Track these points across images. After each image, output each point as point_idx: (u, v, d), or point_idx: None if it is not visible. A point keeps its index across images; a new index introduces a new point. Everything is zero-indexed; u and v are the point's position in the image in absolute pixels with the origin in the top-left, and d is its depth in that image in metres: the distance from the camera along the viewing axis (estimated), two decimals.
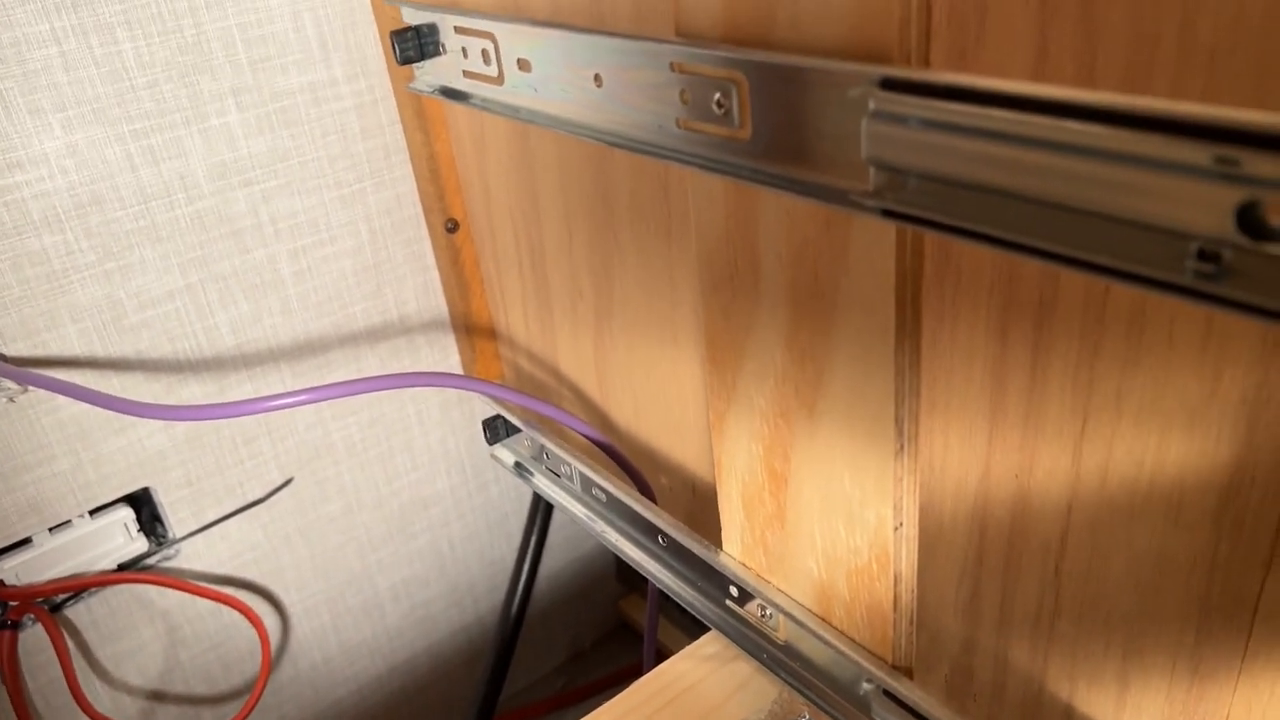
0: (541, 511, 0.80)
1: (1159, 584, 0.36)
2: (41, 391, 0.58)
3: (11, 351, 0.57)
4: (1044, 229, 0.24)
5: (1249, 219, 0.21)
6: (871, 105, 0.27)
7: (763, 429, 0.40)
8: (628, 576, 0.94)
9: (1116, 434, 0.35)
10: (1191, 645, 0.36)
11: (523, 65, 0.42)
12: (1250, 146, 0.20)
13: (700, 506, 0.57)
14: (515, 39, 0.42)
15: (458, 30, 0.46)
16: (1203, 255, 0.22)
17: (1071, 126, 0.23)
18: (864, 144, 0.28)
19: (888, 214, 0.28)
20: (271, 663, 0.74)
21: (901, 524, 0.37)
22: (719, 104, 0.33)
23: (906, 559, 0.37)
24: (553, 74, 0.41)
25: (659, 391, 0.57)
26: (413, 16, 0.48)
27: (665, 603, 0.58)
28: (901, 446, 0.35)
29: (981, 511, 0.41)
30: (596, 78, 0.38)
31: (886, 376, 0.33)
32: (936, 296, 0.36)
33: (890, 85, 0.27)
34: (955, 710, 0.38)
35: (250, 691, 0.70)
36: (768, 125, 0.32)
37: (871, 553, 0.38)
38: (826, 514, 0.39)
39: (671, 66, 0.34)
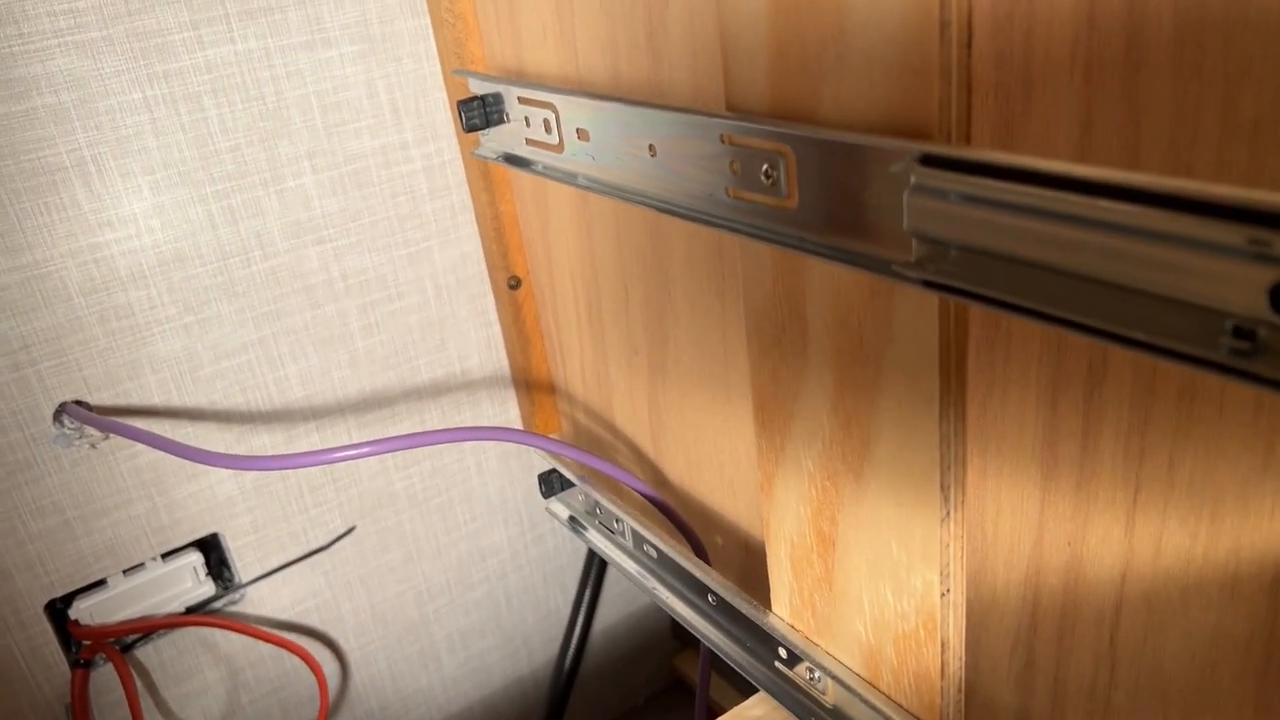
0: (596, 566, 0.81)
1: (1215, 659, 0.35)
2: (121, 439, 0.60)
3: (95, 400, 0.60)
4: (1081, 303, 0.25)
5: None
6: (913, 180, 0.28)
7: (810, 491, 0.40)
8: (682, 633, 0.94)
9: (1169, 504, 0.34)
10: None
11: (581, 135, 0.44)
12: None
13: (754, 566, 0.57)
14: (575, 110, 0.44)
15: (521, 101, 0.48)
16: (1238, 333, 0.22)
17: (1106, 205, 0.23)
18: (906, 217, 0.29)
19: (929, 285, 0.29)
20: (330, 708, 0.75)
21: (949, 590, 0.36)
22: (767, 174, 0.34)
23: (954, 626, 0.37)
24: (609, 143, 0.42)
25: (712, 449, 0.58)
26: (479, 87, 0.51)
27: (718, 661, 0.58)
28: (948, 513, 0.35)
29: (1034, 580, 0.40)
30: (651, 148, 0.40)
31: (931, 443, 0.34)
32: (987, 364, 0.36)
33: (930, 161, 0.27)
34: None
35: None
36: (814, 196, 0.32)
37: (919, 618, 0.38)
38: (874, 578, 0.39)
39: (722, 139, 0.35)
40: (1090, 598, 0.39)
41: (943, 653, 0.37)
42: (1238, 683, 0.34)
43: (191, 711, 0.69)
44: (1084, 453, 0.36)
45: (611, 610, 0.88)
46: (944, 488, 0.34)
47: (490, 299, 0.72)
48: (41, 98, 0.53)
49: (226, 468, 0.57)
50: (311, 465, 0.53)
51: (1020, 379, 0.36)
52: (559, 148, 0.46)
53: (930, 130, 0.29)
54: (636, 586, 0.57)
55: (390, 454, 0.72)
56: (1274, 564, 0.32)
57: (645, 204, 0.41)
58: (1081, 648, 0.40)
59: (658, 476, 0.65)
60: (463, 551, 0.78)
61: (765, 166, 0.34)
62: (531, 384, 0.74)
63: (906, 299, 0.32)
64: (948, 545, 0.35)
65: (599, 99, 0.42)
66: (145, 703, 0.67)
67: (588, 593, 0.81)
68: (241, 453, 0.65)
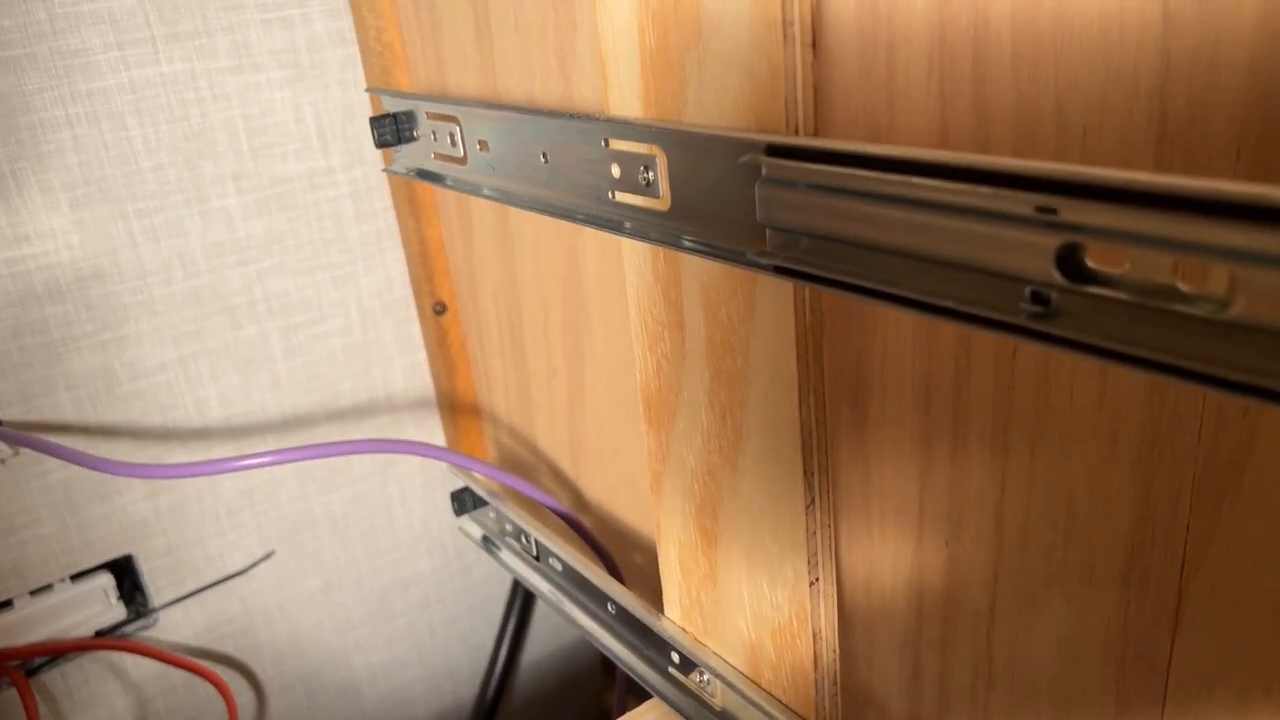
0: (520, 597, 0.81)
1: (1078, 649, 0.36)
2: (31, 456, 0.60)
3: (6, 416, 0.59)
4: (902, 279, 0.26)
5: (1069, 263, 0.22)
6: (763, 171, 0.29)
7: (694, 487, 0.41)
8: (612, 668, 0.93)
9: (1032, 498, 0.35)
10: (1113, 715, 0.36)
11: (483, 146, 0.45)
12: (1067, 195, 0.22)
13: None
14: (476, 122, 0.45)
15: (429, 116, 0.49)
16: (1035, 298, 0.23)
17: (916, 181, 0.24)
18: (758, 207, 0.30)
19: (779, 270, 0.30)
20: None
21: (818, 579, 0.37)
22: (644, 177, 0.35)
23: (825, 616, 0.38)
24: (508, 153, 0.44)
25: (628, 468, 0.58)
26: (391, 104, 0.52)
27: (635, 687, 0.58)
28: (813, 500, 0.36)
29: (918, 582, 0.41)
30: (544, 155, 0.41)
31: (794, 431, 0.35)
32: (870, 370, 0.38)
33: (774, 151, 0.29)
34: None
35: None
36: (683, 195, 0.34)
37: (791, 609, 0.38)
38: (752, 571, 0.40)
39: (604, 143, 0.37)
40: (968, 598, 0.40)
41: (815, 643, 0.38)
42: (1100, 673, 0.35)
43: None
44: (955, 453, 0.37)
45: (540, 645, 0.88)
46: (807, 474, 0.35)
47: (416, 324, 0.73)
48: None
49: (132, 476, 0.57)
50: (219, 473, 0.53)
51: (896, 386, 0.37)
52: (463, 160, 0.47)
53: (780, 127, 0.30)
54: (546, 604, 0.57)
55: (311, 479, 0.71)
56: (1123, 549, 0.33)
57: (541, 210, 0.42)
58: (963, 648, 0.41)
59: (578, 499, 0.65)
60: (385, 580, 0.77)
61: (642, 168, 0.35)
62: (456, 408, 0.74)
63: (766, 289, 0.33)
64: (814, 533, 0.36)
65: (496, 109, 0.43)
66: None
67: (512, 623, 0.81)
68: (148, 462, 0.64)
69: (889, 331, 0.36)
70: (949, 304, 0.24)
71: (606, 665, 0.93)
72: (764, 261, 0.30)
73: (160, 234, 0.62)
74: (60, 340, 0.60)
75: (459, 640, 0.83)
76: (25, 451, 0.60)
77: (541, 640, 0.88)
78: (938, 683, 0.43)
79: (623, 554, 0.61)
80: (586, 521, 0.60)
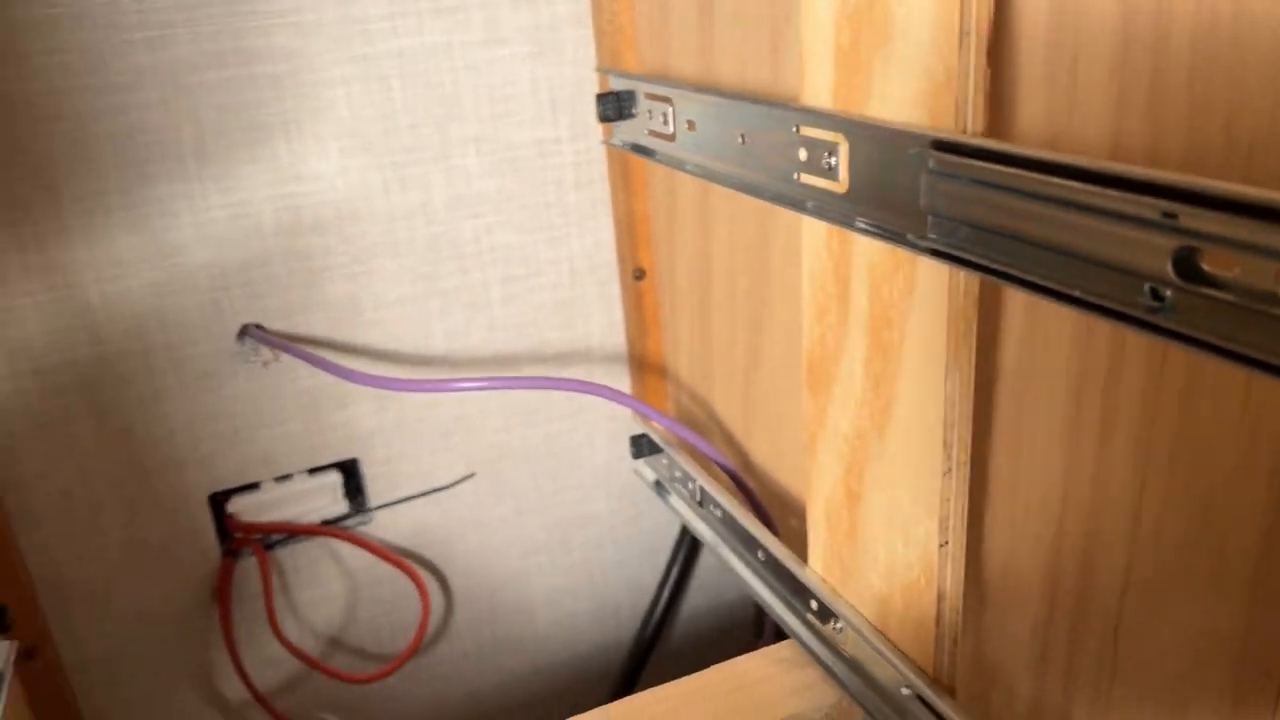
0: (685, 550, 0.86)
1: (1199, 650, 0.37)
2: (288, 363, 0.71)
3: (271, 327, 0.70)
4: (1040, 269, 0.29)
5: (1185, 264, 0.25)
6: (930, 164, 0.33)
7: (844, 449, 0.45)
8: (762, 631, 0.97)
9: (1169, 500, 0.37)
10: (1228, 717, 0.37)
11: (690, 125, 0.50)
12: (1189, 204, 0.24)
13: None
14: (687, 103, 0.50)
15: (647, 96, 0.55)
16: (1153, 293, 0.26)
17: (1058, 182, 0.27)
18: (922, 196, 0.33)
19: (936, 254, 0.33)
20: (429, 636, 0.83)
21: (947, 542, 0.40)
22: (826, 162, 0.39)
23: (952, 577, 0.41)
24: (711, 133, 0.48)
25: (792, 438, 0.62)
26: (616, 84, 0.58)
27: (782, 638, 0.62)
28: (950, 469, 0.39)
29: (1055, 569, 0.43)
30: (742, 137, 0.45)
31: (938, 404, 0.38)
32: (1028, 356, 0.40)
33: (941, 146, 0.32)
34: None
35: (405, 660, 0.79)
36: (859, 179, 0.37)
37: (920, 568, 0.41)
38: (888, 530, 0.43)
39: (795, 129, 0.41)
40: (1100, 590, 0.41)
41: (939, 602, 0.41)
42: (1217, 674, 0.36)
43: (315, 615, 0.79)
44: (1100, 447, 0.39)
45: (699, 598, 0.93)
46: (946, 444, 0.38)
47: (617, 286, 0.79)
48: (262, 66, 0.64)
49: (369, 385, 0.66)
50: (437, 391, 0.62)
51: (1049, 374, 0.39)
52: (672, 138, 0.53)
53: (949, 125, 0.33)
54: (705, 546, 0.62)
55: (514, 413, 0.79)
56: (1254, 557, 0.34)
57: (735, 186, 0.47)
58: (1090, 638, 0.42)
59: (745, 461, 0.69)
60: (567, 515, 0.85)
61: (826, 154, 0.39)
62: (645, 366, 0.80)
63: (925, 271, 0.36)
64: (948, 499, 0.39)
65: (704, 93, 0.48)
66: (277, 600, 0.77)
67: (675, 572, 0.86)
68: (382, 375, 0.73)
69: (1050, 326, 0.39)
70: (1077, 293, 0.27)
71: (757, 626, 0.98)
72: (923, 245, 0.33)
73: (409, 185, 0.71)
74: (320, 268, 0.70)
75: (625, 581, 0.89)
76: (284, 358, 0.70)
77: (701, 594, 0.93)
78: (1063, 669, 0.44)
79: (782, 517, 0.65)
80: (750, 482, 0.64)
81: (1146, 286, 0.26)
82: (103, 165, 0.63)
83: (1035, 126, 0.37)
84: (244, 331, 0.69)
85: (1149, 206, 0.25)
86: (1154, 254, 0.25)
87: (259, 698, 0.74)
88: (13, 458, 0.66)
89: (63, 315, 0.64)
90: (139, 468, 0.69)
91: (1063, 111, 0.36)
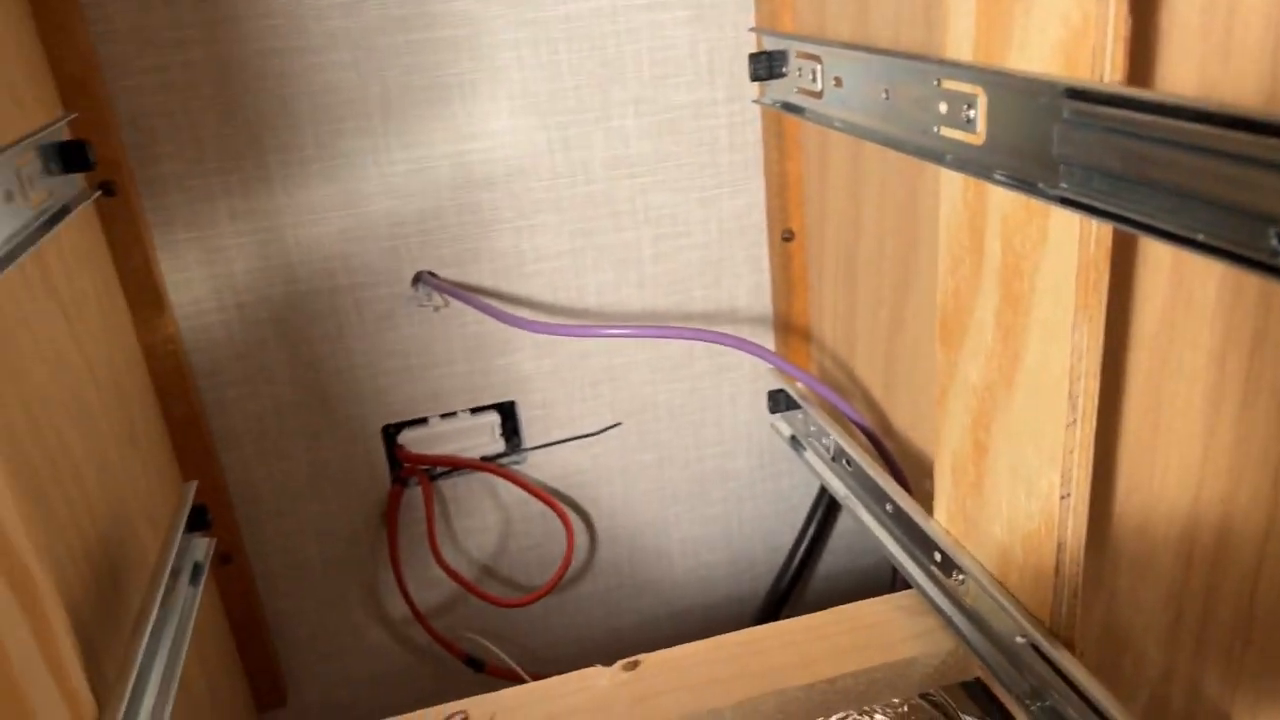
0: (823, 508, 0.88)
1: None
2: (456, 309, 0.76)
3: (443, 274, 0.76)
4: (1166, 214, 0.29)
5: None
6: (1063, 112, 0.33)
7: (972, 402, 0.45)
8: None
9: None
10: None
11: (838, 82, 0.52)
12: None
13: None
14: (835, 60, 0.52)
15: (798, 55, 0.56)
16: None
17: (1189, 128, 0.28)
18: (1055, 144, 0.34)
19: (1065, 202, 0.34)
20: (571, 567, 0.88)
21: (1069, 494, 0.40)
22: (965, 114, 0.40)
23: (1073, 529, 0.41)
24: (857, 89, 0.50)
25: (933, 403, 0.63)
26: (769, 43, 0.60)
27: None
28: (1074, 420, 0.39)
29: (1190, 535, 0.43)
30: (886, 92, 0.47)
31: (1064, 355, 0.38)
32: (1169, 318, 0.40)
33: (1073, 94, 0.33)
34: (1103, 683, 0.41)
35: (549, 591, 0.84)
36: (996, 130, 0.38)
37: (1042, 518, 0.42)
38: (1012, 481, 0.43)
39: (936, 82, 0.42)
40: (1237, 555, 0.41)
41: (1059, 553, 0.41)
42: None
43: (470, 544, 0.85)
44: (1243, 411, 0.39)
45: (837, 560, 0.94)
46: (1072, 395, 0.38)
47: (765, 248, 0.81)
48: (443, 30, 0.69)
49: (531, 330, 0.71)
50: (590, 337, 0.66)
51: (1193, 338, 0.39)
52: (820, 95, 0.54)
53: (1086, 74, 0.34)
54: (838, 499, 0.63)
55: (660, 368, 0.83)
56: None
57: (878, 140, 0.48)
58: (1225, 604, 0.42)
59: (884, 424, 0.70)
60: (708, 469, 0.88)
61: (965, 106, 0.40)
62: (789, 328, 0.82)
63: (1058, 220, 0.37)
64: (1072, 451, 0.39)
65: (851, 49, 0.49)
66: (438, 527, 0.83)
67: (811, 531, 0.88)
68: (542, 320, 0.78)
69: (1194, 288, 0.38)
70: (1200, 237, 0.28)
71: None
72: (1054, 194, 0.34)
73: (572, 144, 0.75)
74: (488, 221, 0.76)
75: (762, 537, 0.92)
76: (453, 304, 0.76)
77: (837, 557, 0.94)
78: (1196, 634, 0.44)
79: (916, 480, 0.66)
80: (888, 444, 0.65)
81: (1273, 230, 0.26)
82: (301, 121, 0.70)
83: (1184, 78, 0.36)
84: (418, 278, 0.75)
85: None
86: None
87: (417, 614, 0.81)
88: (218, 381, 0.74)
89: (263, 255, 0.72)
90: (323, 397, 0.77)
91: (1217, 59, 0.35)
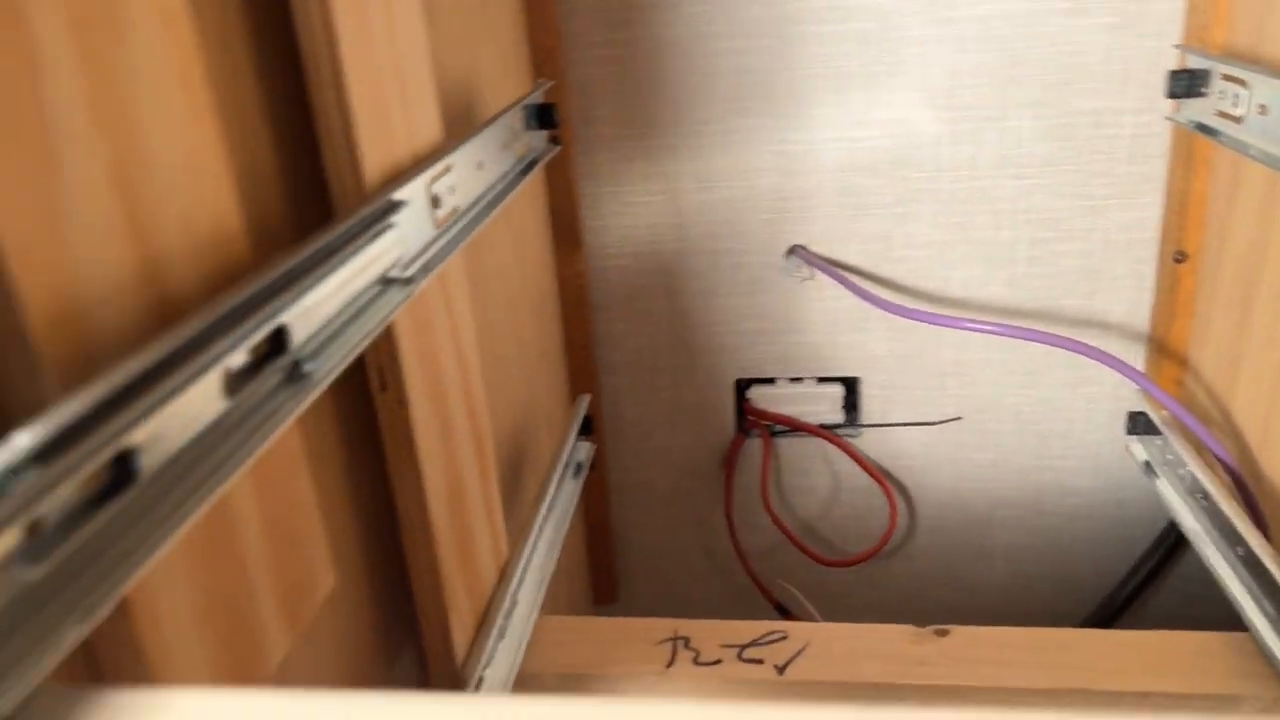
0: (1166, 547, 0.83)
1: None
2: (820, 282, 0.82)
3: (813, 250, 0.82)
4: None
5: None
6: None
7: None
8: None
9: None
10: None
11: (1262, 110, 0.50)
12: None
13: None
14: (1264, 87, 0.50)
15: (1222, 77, 0.54)
16: None
17: None
18: None
19: None
20: (889, 544, 0.91)
21: None
22: None
23: None
24: None
25: None
26: (1193, 62, 0.58)
27: None
28: None
29: None
30: None
31: None
32: None
33: None
34: None
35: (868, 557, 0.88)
36: None
37: None
38: None
39: None
40: None
41: None
42: None
43: (796, 501, 0.91)
44: None
45: (1171, 602, 0.89)
46: None
47: (1152, 265, 0.78)
48: (855, 23, 0.74)
49: (890, 312, 0.74)
50: (951, 326, 0.69)
51: None
52: (1240, 120, 0.52)
53: None
54: (1184, 532, 0.61)
55: (1010, 371, 0.83)
56: None
57: None
58: None
59: (1254, 469, 0.66)
60: (1045, 480, 0.87)
61: None
62: (1165, 353, 0.78)
63: None
64: None
65: None
66: (770, 479, 0.90)
67: (1147, 566, 0.84)
68: (900, 303, 0.81)
69: None
70: None
71: None
72: None
73: (961, 139, 0.77)
74: (864, 204, 0.80)
75: (1093, 561, 0.89)
76: (819, 277, 0.81)
77: (1173, 600, 0.89)
78: None
79: (1277, 531, 0.62)
80: (1253, 487, 0.62)
81: None
82: (713, 98, 0.78)
83: None
84: (792, 250, 0.82)
85: None
86: None
87: (739, 551, 0.88)
88: (609, 316, 0.85)
89: (662, 214, 0.82)
90: (689, 345, 0.86)
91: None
